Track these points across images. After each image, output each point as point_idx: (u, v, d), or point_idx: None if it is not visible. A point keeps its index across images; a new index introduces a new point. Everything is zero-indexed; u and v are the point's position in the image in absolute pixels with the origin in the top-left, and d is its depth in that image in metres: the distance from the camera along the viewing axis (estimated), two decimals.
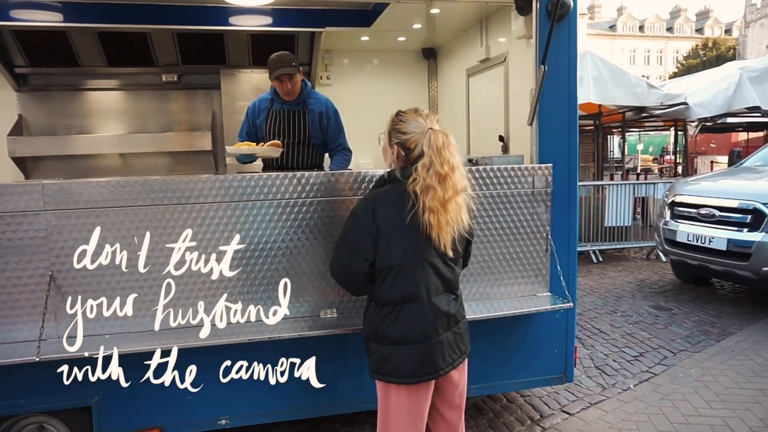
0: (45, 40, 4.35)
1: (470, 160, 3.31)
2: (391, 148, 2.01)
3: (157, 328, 2.39)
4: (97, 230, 2.27)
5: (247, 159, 3.35)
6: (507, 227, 2.81)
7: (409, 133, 1.95)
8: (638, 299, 5.82)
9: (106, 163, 5.22)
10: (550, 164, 2.87)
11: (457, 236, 1.91)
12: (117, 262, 2.32)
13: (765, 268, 4.84)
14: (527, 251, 2.85)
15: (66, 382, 2.40)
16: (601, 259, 7.82)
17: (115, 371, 2.43)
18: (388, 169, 2.09)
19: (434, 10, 4.24)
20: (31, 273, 2.33)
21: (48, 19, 3.76)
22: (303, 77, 3.48)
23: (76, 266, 2.23)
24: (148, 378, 2.49)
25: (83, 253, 2.24)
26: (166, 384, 2.52)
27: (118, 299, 2.34)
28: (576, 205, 3.09)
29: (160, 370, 2.49)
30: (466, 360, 2.04)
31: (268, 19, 4.15)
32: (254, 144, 3.24)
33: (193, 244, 2.39)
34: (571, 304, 2.86)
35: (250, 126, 3.53)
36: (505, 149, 4.17)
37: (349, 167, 3.54)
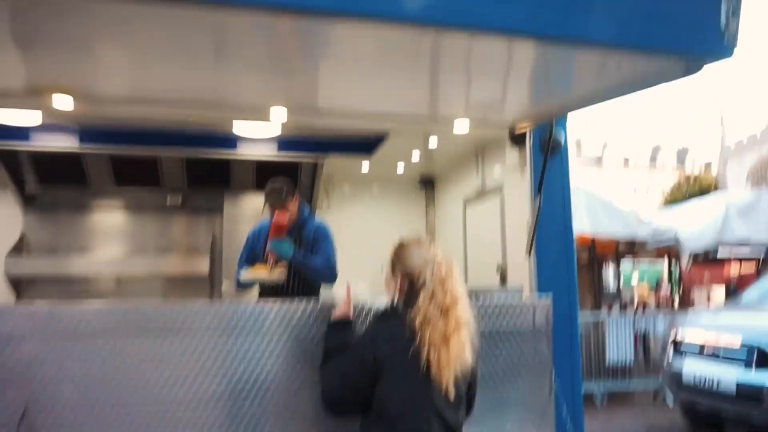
0: (57, 162, 4.51)
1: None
2: (394, 279, 1.98)
3: None
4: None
5: (250, 284, 3.40)
6: (508, 366, 2.70)
7: (413, 262, 1.92)
8: None
9: (101, 286, 5.14)
10: (550, 297, 2.83)
11: (460, 376, 1.80)
12: (99, 395, 2.20)
13: None
14: (531, 390, 2.72)
15: None
16: (605, 403, 7.36)
17: None
18: (390, 301, 2.04)
19: (432, 145, 4.47)
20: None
21: (64, 144, 3.93)
22: (300, 203, 3.57)
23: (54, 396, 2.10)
24: None
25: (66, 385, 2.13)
26: None
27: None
28: (578, 341, 3.01)
29: None
30: None
31: (274, 147, 4.35)
32: (265, 269, 3.28)
33: (181, 377, 2.29)
34: None
35: (249, 253, 3.56)
36: (503, 280, 4.15)
37: (329, 278, 3.49)
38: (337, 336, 2.09)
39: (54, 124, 3.73)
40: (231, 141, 4.16)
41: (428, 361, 1.75)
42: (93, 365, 2.23)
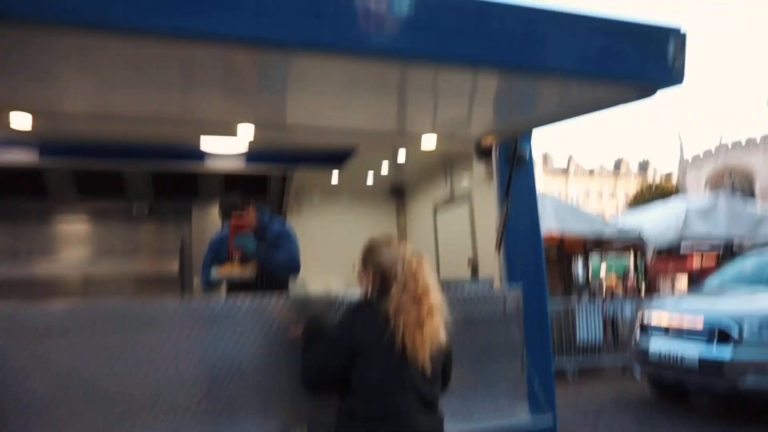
0: (16, 176, 4.34)
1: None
2: (365, 275, 2.07)
3: None
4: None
5: (219, 283, 3.52)
6: (482, 347, 2.81)
7: (384, 258, 2.01)
8: (617, 416, 5.69)
9: (67, 288, 5.03)
10: (520, 290, 2.93)
11: (435, 355, 1.91)
12: (66, 390, 2.21)
13: (738, 384, 4.87)
14: (504, 369, 2.84)
15: None
16: (576, 377, 7.71)
17: None
18: (363, 294, 2.12)
19: (401, 158, 4.50)
20: None
21: (23, 158, 3.79)
22: (259, 209, 3.62)
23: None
24: None
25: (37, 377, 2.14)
26: None
27: (69, 421, 2.20)
28: (548, 325, 3.14)
29: None
30: None
31: (242, 160, 4.32)
32: (236, 267, 3.37)
33: (154, 366, 2.31)
34: (552, 420, 2.84)
35: (213, 257, 3.61)
36: (474, 271, 4.23)
37: (293, 270, 3.58)
38: (315, 326, 2.22)
39: (12, 138, 3.61)
40: (198, 155, 4.12)
41: (403, 343, 1.85)
42: (64, 358, 2.23)
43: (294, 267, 3.57)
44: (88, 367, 2.27)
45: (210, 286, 3.55)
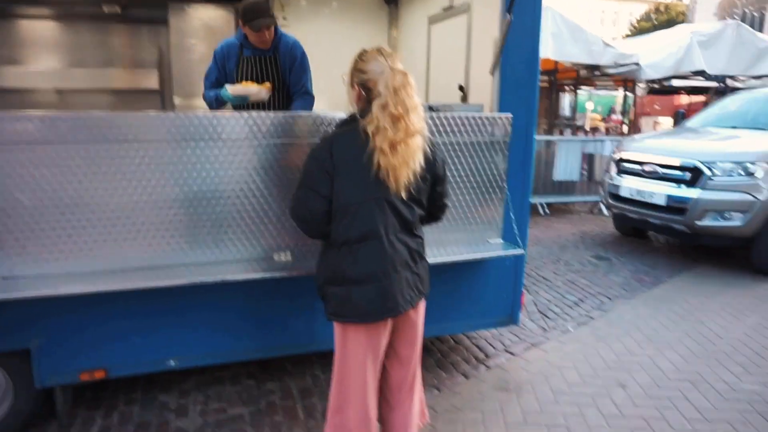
0: None
1: (430, 108, 3.29)
2: (352, 88, 1.98)
3: (101, 268, 2.33)
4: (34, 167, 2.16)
5: (239, 102, 3.15)
6: (465, 175, 2.83)
7: (370, 73, 1.91)
8: (581, 249, 6.11)
9: (41, 99, 4.86)
10: (510, 114, 2.89)
11: (412, 179, 1.89)
12: (57, 201, 2.23)
13: (698, 223, 5.17)
14: (483, 199, 2.90)
15: (2, 324, 2.34)
16: (548, 212, 8.11)
17: (56, 312, 2.38)
18: (351, 110, 2.05)
19: None
20: None
21: None
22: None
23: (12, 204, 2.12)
24: (93, 319, 2.46)
25: (20, 190, 2.13)
26: (112, 324, 2.50)
27: (58, 239, 2.27)
28: (532, 156, 3.15)
29: (103, 310, 2.46)
30: (424, 301, 2.08)
31: None
32: (252, 84, 3.10)
33: (141, 184, 2.33)
34: (522, 251, 2.97)
35: (219, 71, 3.30)
36: (464, 99, 4.17)
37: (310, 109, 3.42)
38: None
39: None
40: None
41: (378, 164, 1.83)
42: (49, 171, 2.22)
43: (311, 107, 3.37)
44: (73, 182, 2.24)
45: (218, 103, 3.22)
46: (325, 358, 3.28)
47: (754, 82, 9.87)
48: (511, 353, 3.49)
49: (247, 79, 3.24)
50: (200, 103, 4.77)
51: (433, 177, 2.01)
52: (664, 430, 2.67)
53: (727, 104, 6.93)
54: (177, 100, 4.87)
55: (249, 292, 2.66)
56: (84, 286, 2.23)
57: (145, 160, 2.32)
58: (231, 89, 3.06)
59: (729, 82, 10.29)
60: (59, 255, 2.28)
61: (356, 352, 1.97)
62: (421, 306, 2.09)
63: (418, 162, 1.88)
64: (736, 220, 5.08)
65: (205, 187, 2.42)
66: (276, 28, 3.24)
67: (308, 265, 2.52)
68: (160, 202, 2.37)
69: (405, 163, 1.84)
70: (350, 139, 1.88)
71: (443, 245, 2.85)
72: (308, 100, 3.42)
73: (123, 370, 2.58)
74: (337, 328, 2.00)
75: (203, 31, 4.84)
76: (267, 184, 2.50)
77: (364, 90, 1.93)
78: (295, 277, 2.55)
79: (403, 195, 1.89)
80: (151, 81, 5.05)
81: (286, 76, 3.33)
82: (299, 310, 2.77)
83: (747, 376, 3.21)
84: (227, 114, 2.43)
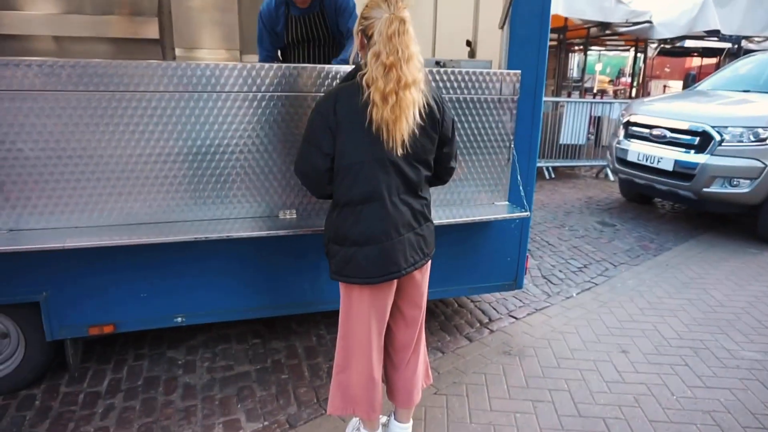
0: None
1: (437, 62, 3.18)
2: (356, 36, 1.89)
3: (107, 222, 2.30)
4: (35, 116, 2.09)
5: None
6: (470, 134, 2.76)
7: (370, 19, 1.79)
8: (585, 215, 6.07)
9: (38, 46, 4.70)
10: (519, 71, 2.79)
11: (410, 135, 1.79)
12: (60, 152, 2.18)
13: (705, 189, 5.09)
14: (489, 159, 2.84)
15: (11, 277, 2.33)
16: (553, 175, 8.04)
17: (64, 266, 2.37)
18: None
19: None
20: None
21: None
22: None
23: (14, 154, 2.06)
24: (100, 273, 2.44)
25: (22, 140, 2.07)
26: (119, 280, 2.48)
27: (65, 191, 2.23)
28: (540, 116, 3.06)
29: (110, 265, 2.44)
30: (429, 262, 2.05)
31: None
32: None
33: (144, 137, 2.27)
34: (528, 213, 2.92)
35: (270, 34, 3.33)
36: (472, 54, 4.04)
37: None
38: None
39: None
40: None
41: (371, 118, 1.74)
42: (51, 121, 2.16)
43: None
44: (75, 133, 2.18)
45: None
46: (330, 318, 3.29)
47: None
48: (515, 317, 3.50)
49: (297, 39, 3.32)
50: (201, 54, 4.65)
51: (440, 136, 1.92)
52: (664, 396, 2.69)
53: (739, 67, 6.74)
54: (178, 51, 4.72)
55: (254, 250, 2.63)
56: (90, 240, 2.19)
57: (147, 112, 2.26)
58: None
59: (743, 43, 10.01)
60: (65, 208, 2.24)
61: (360, 312, 1.95)
62: (427, 267, 2.06)
63: (413, 117, 1.77)
64: (743, 187, 5.02)
65: (208, 141, 2.36)
66: None
67: (313, 224, 2.50)
68: (164, 156, 2.31)
69: (399, 117, 1.73)
70: (352, 93, 1.79)
71: (447, 206, 2.80)
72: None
73: (131, 326, 2.58)
74: (342, 287, 1.98)
75: None
76: (271, 138, 2.43)
77: (366, 38, 1.83)
78: (300, 236, 2.52)
79: (399, 152, 1.78)
80: (151, 30, 4.88)
81: (334, 30, 3.34)
82: (305, 269, 2.75)
83: (748, 344, 3.23)
84: (230, 64, 2.34)
